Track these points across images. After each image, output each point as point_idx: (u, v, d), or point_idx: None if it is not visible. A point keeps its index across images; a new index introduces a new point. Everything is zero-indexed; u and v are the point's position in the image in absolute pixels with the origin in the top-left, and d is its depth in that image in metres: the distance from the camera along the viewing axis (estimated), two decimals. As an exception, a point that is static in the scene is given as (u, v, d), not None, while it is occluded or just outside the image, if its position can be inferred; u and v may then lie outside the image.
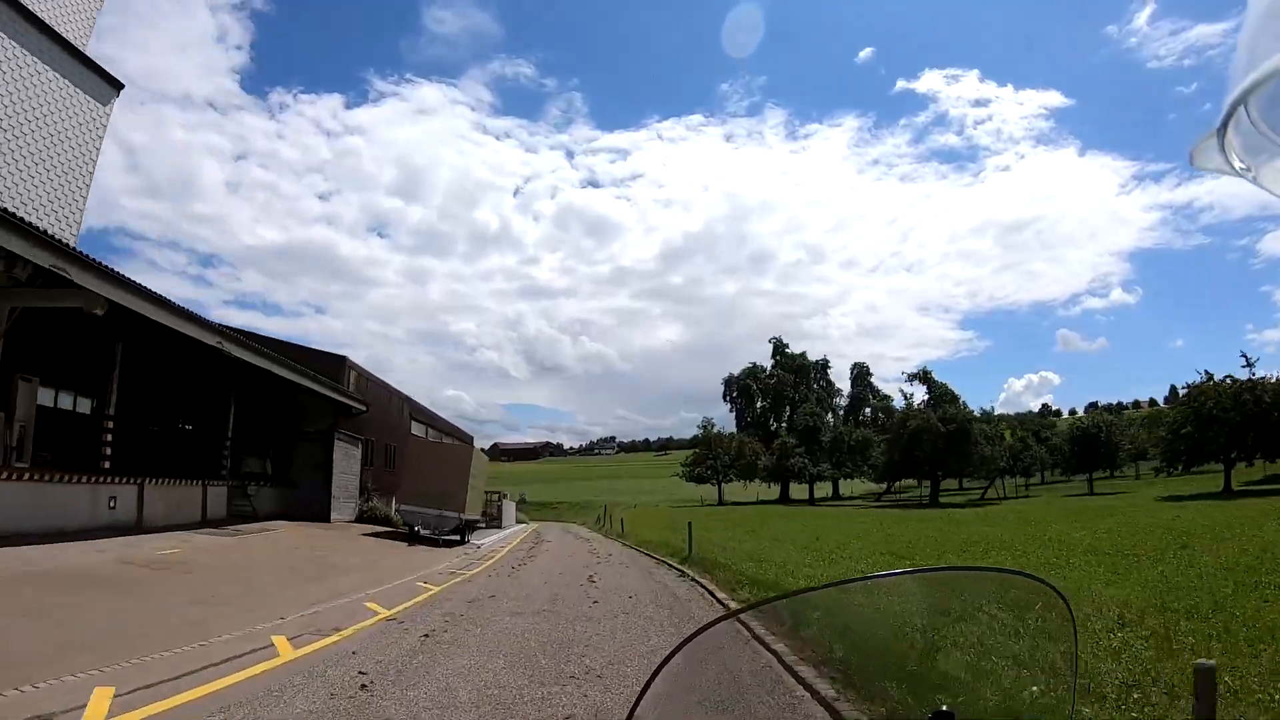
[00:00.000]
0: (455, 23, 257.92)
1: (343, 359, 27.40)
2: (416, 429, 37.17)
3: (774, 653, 6.10)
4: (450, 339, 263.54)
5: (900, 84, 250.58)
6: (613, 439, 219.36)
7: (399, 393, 35.62)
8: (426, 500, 21.55)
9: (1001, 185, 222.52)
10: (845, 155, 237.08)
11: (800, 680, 5.41)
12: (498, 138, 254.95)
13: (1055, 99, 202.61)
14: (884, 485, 77.75)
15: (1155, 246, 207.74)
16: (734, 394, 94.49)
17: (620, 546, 24.62)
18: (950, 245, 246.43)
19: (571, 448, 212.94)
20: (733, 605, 9.77)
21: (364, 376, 29.35)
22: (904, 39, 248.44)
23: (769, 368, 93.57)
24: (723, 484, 78.35)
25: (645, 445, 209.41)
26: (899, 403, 75.47)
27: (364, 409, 27.17)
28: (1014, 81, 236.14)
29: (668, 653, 1.14)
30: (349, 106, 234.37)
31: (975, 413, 68.49)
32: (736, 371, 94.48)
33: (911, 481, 73.65)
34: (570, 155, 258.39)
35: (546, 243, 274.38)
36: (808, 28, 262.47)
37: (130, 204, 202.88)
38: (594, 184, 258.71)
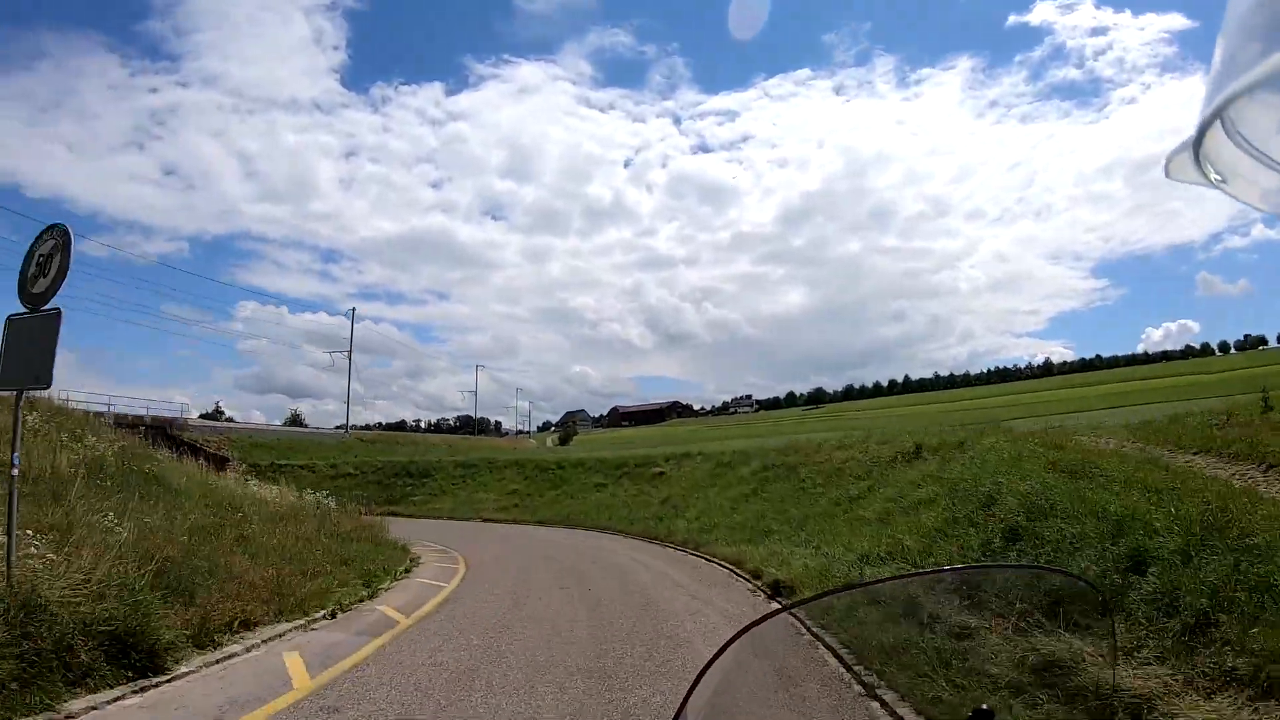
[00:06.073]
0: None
1: None
2: None
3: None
4: (574, 315, 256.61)
5: (1012, 18, 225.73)
6: (749, 397, 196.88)
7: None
8: None
9: (1128, 119, 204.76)
10: (961, 99, 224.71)
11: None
12: (603, 110, 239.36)
13: (1178, 21, 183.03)
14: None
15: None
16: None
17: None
18: (1078, 188, 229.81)
19: (703, 408, 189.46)
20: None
21: None
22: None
23: None
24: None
25: (790, 400, 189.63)
26: None
27: None
28: (1131, 6, 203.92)
29: (720, 646, 1.14)
30: (450, 93, 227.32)
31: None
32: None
33: None
34: (678, 121, 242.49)
35: (662, 212, 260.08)
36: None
37: (250, 209, 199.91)
38: (704, 149, 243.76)
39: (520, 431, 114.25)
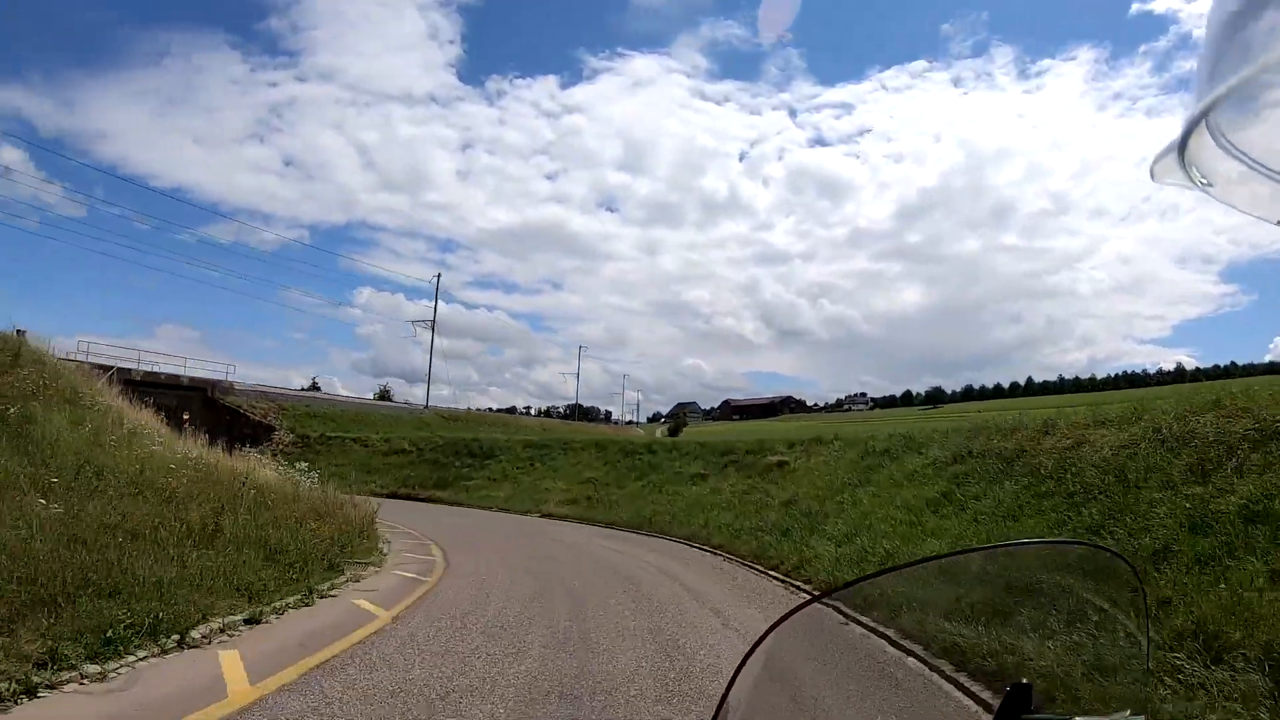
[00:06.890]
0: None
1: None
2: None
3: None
4: (687, 309, 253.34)
5: (1135, 7, 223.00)
6: (863, 394, 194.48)
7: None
8: None
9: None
10: (1083, 91, 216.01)
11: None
12: (718, 103, 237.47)
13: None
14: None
15: None
16: None
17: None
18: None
19: (815, 404, 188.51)
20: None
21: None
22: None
23: None
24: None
25: (906, 399, 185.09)
26: None
27: None
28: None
29: (757, 638, 1.11)
30: (565, 86, 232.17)
31: None
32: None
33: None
34: (794, 114, 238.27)
35: (779, 207, 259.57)
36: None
37: (368, 199, 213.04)
38: (821, 142, 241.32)
39: (630, 421, 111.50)
